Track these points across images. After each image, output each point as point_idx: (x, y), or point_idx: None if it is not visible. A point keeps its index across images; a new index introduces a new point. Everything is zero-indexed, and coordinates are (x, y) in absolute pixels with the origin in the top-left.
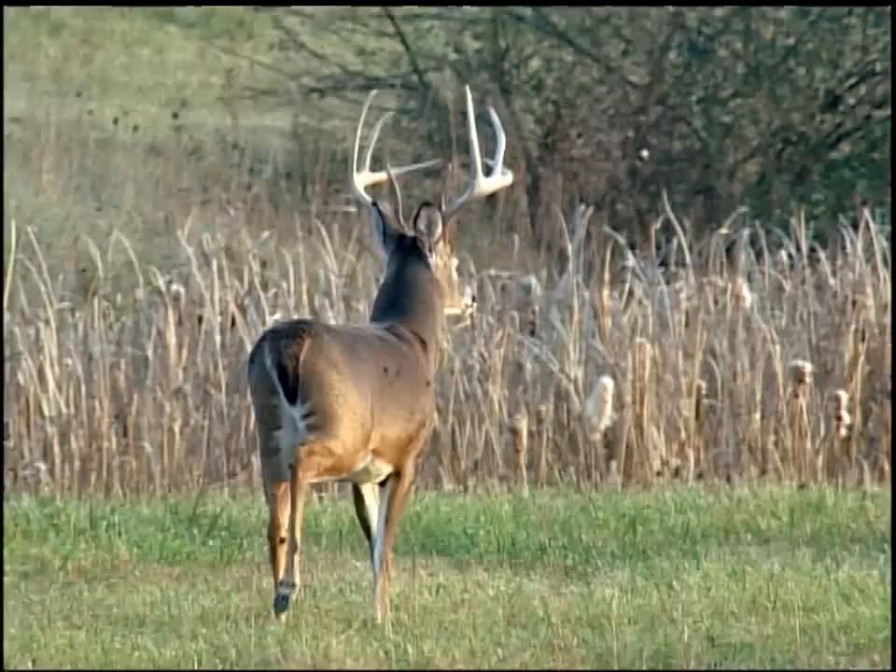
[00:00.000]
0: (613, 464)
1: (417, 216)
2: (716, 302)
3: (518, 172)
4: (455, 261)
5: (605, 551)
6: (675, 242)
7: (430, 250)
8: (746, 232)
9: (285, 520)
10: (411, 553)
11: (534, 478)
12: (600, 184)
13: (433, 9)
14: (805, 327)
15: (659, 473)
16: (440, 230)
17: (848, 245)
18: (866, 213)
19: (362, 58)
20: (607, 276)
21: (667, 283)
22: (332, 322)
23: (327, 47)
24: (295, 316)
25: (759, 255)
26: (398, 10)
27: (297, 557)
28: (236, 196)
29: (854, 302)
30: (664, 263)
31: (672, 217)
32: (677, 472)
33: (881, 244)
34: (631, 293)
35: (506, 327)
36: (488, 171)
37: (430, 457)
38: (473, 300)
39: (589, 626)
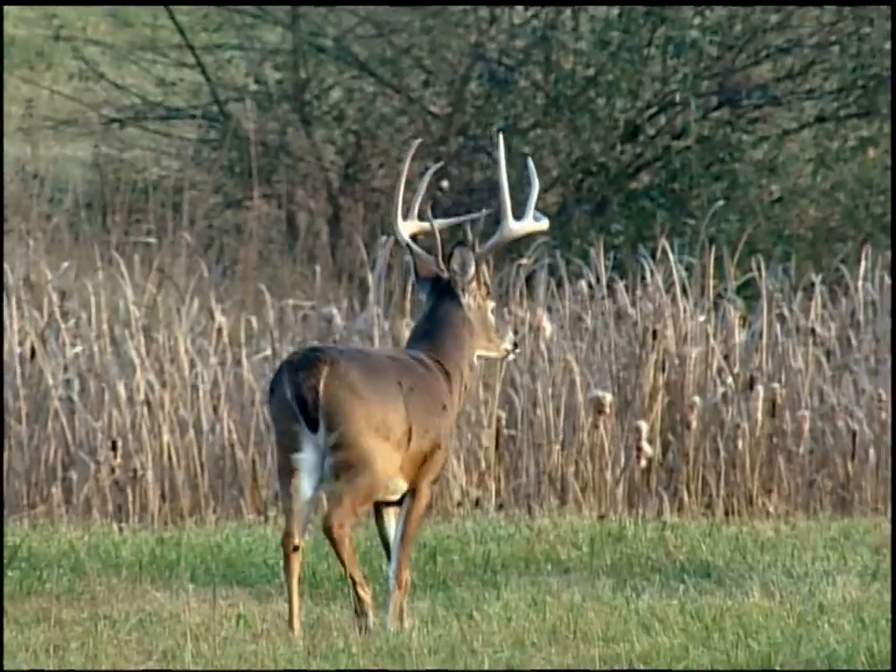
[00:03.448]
0: None
1: (451, 256)
2: (516, 332)
3: (319, 202)
4: (490, 304)
5: None
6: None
7: (463, 290)
8: (546, 263)
9: (298, 530)
10: (211, 583)
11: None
12: None
13: (234, 40)
14: (606, 357)
15: (459, 504)
16: (472, 269)
17: (648, 276)
18: (665, 243)
19: (162, 88)
20: (408, 307)
21: None
22: (343, 346)
23: (127, 77)
24: (309, 343)
25: (559, 285)
26: (198, 40)
27: (363, 590)
28: (36, 226)
29: (654, 333)
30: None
31: (476, 246)
32: (477, 503)
33: (680, 274)
34: None
35: None
36: (519, 215)
37: (231, 489)
38: (516, 345)
39: (390, 657)
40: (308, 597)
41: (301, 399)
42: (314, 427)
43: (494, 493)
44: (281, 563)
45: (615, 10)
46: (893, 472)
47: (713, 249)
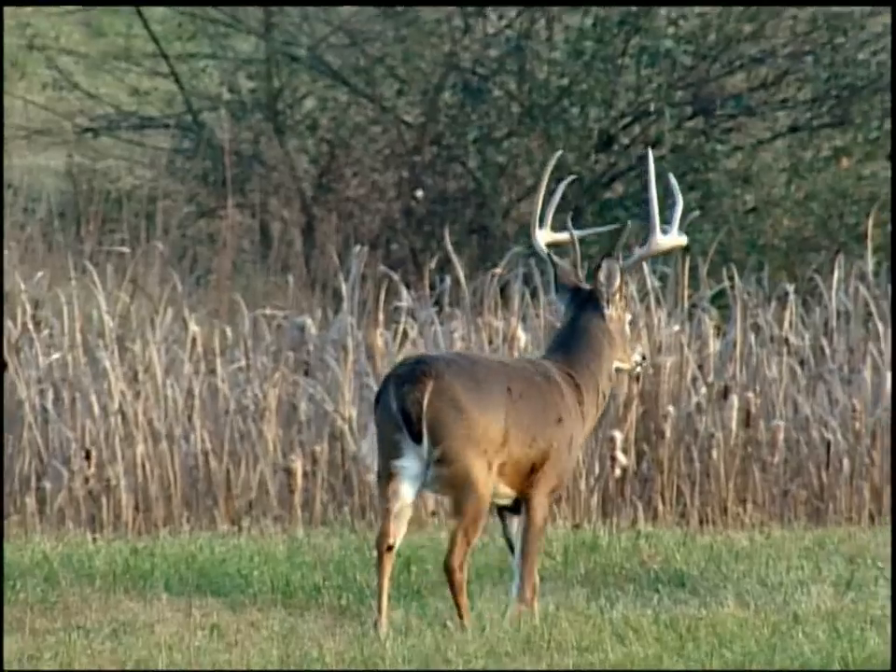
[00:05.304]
0: None
1: (598, 268)
2: (490, 342)
3: (292, 212)
4: (628, 316)
5: None
6: (449, 281)
7: (608, 301)
8: (520, 272)
9: (393, 531)
10: (185, 593)
11: (309, 518)
12: (375, 224)
13: (207, 49)
14: None
15: (434, 513)
16: (618, 282)
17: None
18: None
19: (136, 98)
20: (381, 316)
21: (442, 323)
22: (451, 354)
23: (100, 86)
24: (415, 354)
25: (533, 294)
26: (171, 50)
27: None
28: (10, 236)
29: None
30: (438, 303)
31: (452, 255)
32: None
33: (654, 283)
34: (405, 333)
35: (281, 367)
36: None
37: (204, 498)
38: (644, 358)
39: (363, 666)
40: (281, 607)
41: (405, 413)
42: (417, 440)
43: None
44: (255, 573)
45: (589, 20)
46: (893, 477)
47: (687, 259)
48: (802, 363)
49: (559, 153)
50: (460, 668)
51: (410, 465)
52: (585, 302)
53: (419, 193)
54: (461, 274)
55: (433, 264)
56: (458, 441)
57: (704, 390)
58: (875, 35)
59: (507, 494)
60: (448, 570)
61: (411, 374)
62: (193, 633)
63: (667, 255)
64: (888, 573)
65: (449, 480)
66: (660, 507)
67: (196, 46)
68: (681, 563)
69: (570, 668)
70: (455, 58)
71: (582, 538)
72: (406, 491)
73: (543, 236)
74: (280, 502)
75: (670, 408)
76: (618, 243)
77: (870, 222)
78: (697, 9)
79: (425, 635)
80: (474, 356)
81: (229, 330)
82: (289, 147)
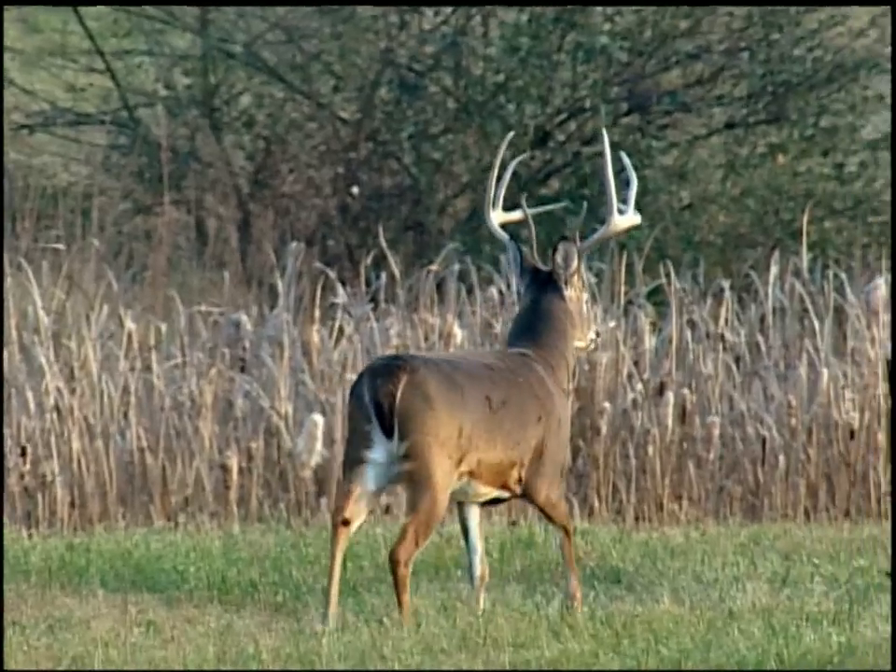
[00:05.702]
0: (324, 500)
1: (555, 250)
2: (426, 339)
3: (228, 208)
4: (585, 295)
5: (315, 587)
6: (385, 278)
7: (566, 282)
8: (456, 269)
9: (350, 508)
10: (121, 589)
11: (244, 514)
12: (311, 220)
13: (143, 45)
14: None
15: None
16: (576, 263)
17: None
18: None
19: (72, 94)
20: (317, 313)
21: (378, 319)
22: (434, 355)
23: (36, 82)
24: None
25: (469, 291)
26: (107, 46)
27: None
28: None
29: None
30: (374, 300)
31: (387, 251)
32: (387, 509)
33: (590, 279)
34: (341, 330)
35: (216, 363)
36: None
37: (140, 494)
38: (598, 335)
39: (300, 663)
40: (217, 603)
41: (377, 405)
42: (388, 433)
43: (404, 499)
44: (191, 569)
45: (525, 16)
46: (893, 475)
47: (623, 255)
48: (737, 359)
49: (511, 133)
50: (396, 665)
51: (378, 457)
52: (545, 284)
53: (355, 190)
54: (397, 271)
55: (369, 261)
56: (424, 439)
57: (639, 386)
58: (810, 32)
59: (485, 493)
60: (393, 562)
61: (386, 368)
62: (129, 629)
63: (622, 236)
64: (823, 570)
65: (410, 475)
66: (595, 503)
67: (132, 42)
68: (617, 559)
69: (506, 665)
70: (391, 54)
71: (518, 535)
72: (370, 479)
73: (496, 217)
74: (216, 498)
75: (606, 404)
76: (573, 225)
77: (805, 218)
78: (633, 6)
79: (361, 631)
80: (458, 359)
81: (164, 327)
82: (225, 144)
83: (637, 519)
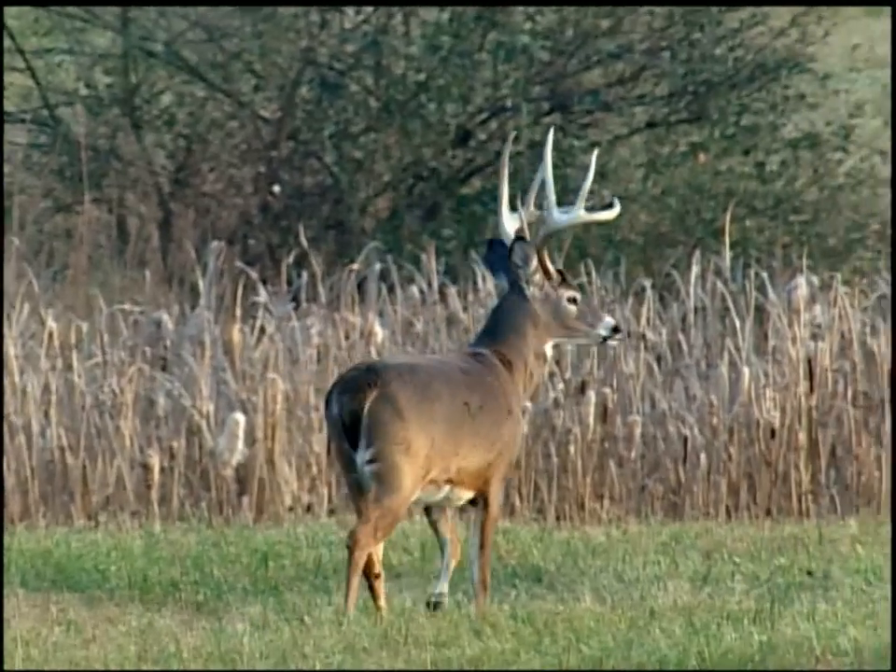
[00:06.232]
0: (245, 499)
1: (511, 250)
2: (347, 338)
3: (150, 207)
4: (566, 293)
5: (237, 586)
6: (306, 277)
7: (528, 282)
8: (377, 268)
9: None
10: (42, 589)
11: (166, 513)
12: (232, 219)
13: (64, 44)
14: None
15: (291, 509)
16: (535, 262)
17: (479, 281)
18: None
19: None
20: (238, 312)
21: (299, 318)
22: (407, 363)
23: None
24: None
25: (391, 290)
26: (28, 45)
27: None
28: None
29: None
30: (295, 298)
31: (307, 251)
32: (309, 508)
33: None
34: (263, 329)
35: (137, 362)
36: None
37: (61, 494)
38: (616, 330)
39: (220, 661)
40: (138, 602)
41: (346, 418)
42: (354, 445)
43: (325, 498)
44: (112, 568)
45: (446, 15)
46: (894, 474)
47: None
48: (659, 358)
49: (514, 134)
50: (317, 664)
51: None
52: (511, 285)
53: (276, 189)
54: (318, 270)
55: (290, 260)
56: (392, 447)
57: (561, 386)
58: (731, 31)
59: (466, 497)
60: (352, 541)
61: (355, 382)
62: (50, 628)
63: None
64: (744, 568)
65: (377, 475)
66: (517, 502)
67: (52, 41)
68: (538, 558)
69: (427, 663)
70: (312, 53)
71: None
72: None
73: (510, 221)
74: (137, 497)
75: (527, 403)
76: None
77: (727, 217)
78: (554, 6)
79: (282, 630)
80: (434, 365)
81: (85, 326)
82: (146, 143)
83: (558, 518)
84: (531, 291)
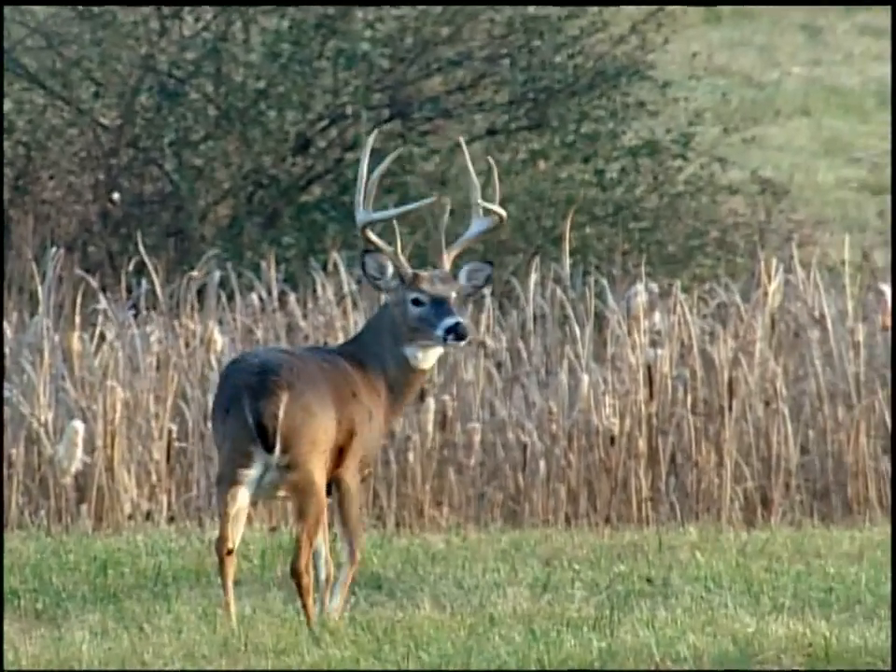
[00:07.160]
0: (84, 507)
1: (363, 263)
2: (187, 345)
3: None
4: (411, 294)
5: (76, 594)
6: (146, 284)
7: (387, 290)
8: (217, 275)
9: (231, 535)
10: None
11: (4, 522)
12: (72, 226)
13: None
14: None
15: (130, 517)
16: (390, 269)
17: (319, 289)
18: (336, 256)
19: None
20: (78, 319)
21: (139, 326)
22: (291, 359)
23: None
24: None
25: (230, 297)
26: None
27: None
28: None
29: (326, 345)
30: (135, 306)
31: (146, 259)
32: (148, 515)
33: (351, 286)
34: (102, 336)
35: None
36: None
37: None
38: (451, 331)
39: (59, 671)
40: None
41: (261, 426)
42: (270, 450)
43: (165, 505)
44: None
45: (286, 22)
46: (893, 475)
47: None
48: (499, 366)
49: (374, 133)
50: (157, 671)
51: (255, 473)
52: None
53: (116, 196)
54: (157, 278)
55: (130, 267)
56: (306, 447)
57: None
58: (571, 38)
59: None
60: (295, 574)
61: (263, 387)
62: None
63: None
64: (583, 575)
65: (293, 485)
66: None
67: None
68: (378, 565)
69: (268, 671)
70: (152, 60)
71: (279, 540)
72: (244, 496)
73: (364, 217)
74: None
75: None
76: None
77: (567, 224)
78: (394, 12)
79: (121, 637)
80: (301, 356)
81: None
82: None
83: (397, 525)
84: (387, 297)
